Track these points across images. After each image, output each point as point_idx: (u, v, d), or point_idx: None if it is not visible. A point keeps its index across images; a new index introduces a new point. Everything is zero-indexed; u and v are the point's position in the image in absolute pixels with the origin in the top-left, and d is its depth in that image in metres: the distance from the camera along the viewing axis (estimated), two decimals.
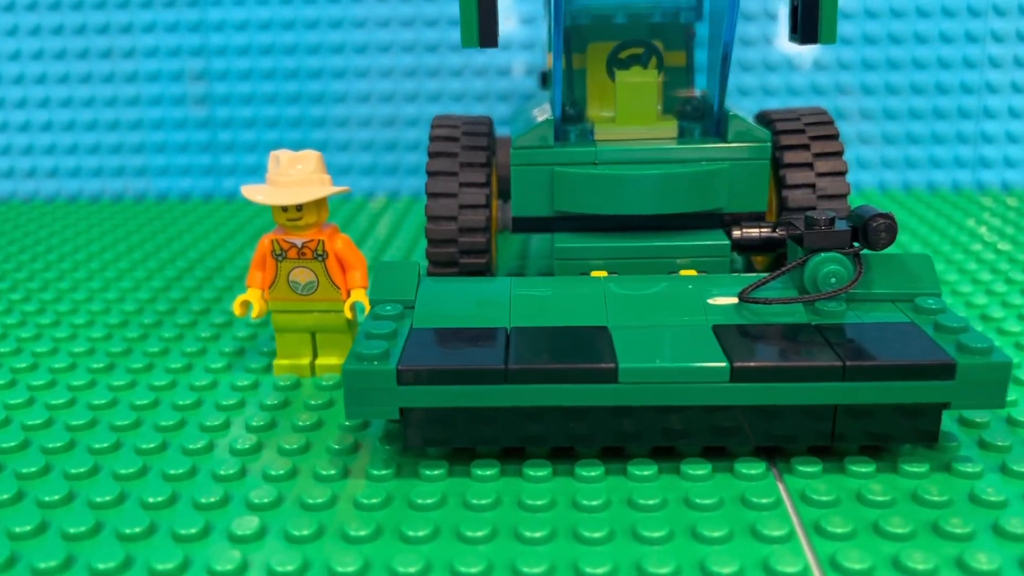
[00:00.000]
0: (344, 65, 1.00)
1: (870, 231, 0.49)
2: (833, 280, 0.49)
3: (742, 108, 0.98)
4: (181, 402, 0.54)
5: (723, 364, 0.44)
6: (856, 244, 0.50)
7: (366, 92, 1.01)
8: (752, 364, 0.44)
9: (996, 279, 0.72)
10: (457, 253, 0.60)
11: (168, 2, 1.00)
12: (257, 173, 1.04)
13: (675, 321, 0.49)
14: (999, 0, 0.96)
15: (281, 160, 0.54)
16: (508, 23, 0.99)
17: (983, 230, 0.75)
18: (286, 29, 1.00)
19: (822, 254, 0.49)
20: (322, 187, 0.54)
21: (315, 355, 0.58)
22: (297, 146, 1.03)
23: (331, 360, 0.58)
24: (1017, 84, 0.98)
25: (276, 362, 0.58)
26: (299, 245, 0.55)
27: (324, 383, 0.57)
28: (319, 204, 0.55)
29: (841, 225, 0.50)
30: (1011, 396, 0.52)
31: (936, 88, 0.98)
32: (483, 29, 0.52)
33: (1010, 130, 0.99)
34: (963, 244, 0.81)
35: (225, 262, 0.82)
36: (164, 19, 1.00)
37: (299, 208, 0.54)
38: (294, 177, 0.54)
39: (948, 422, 0.50)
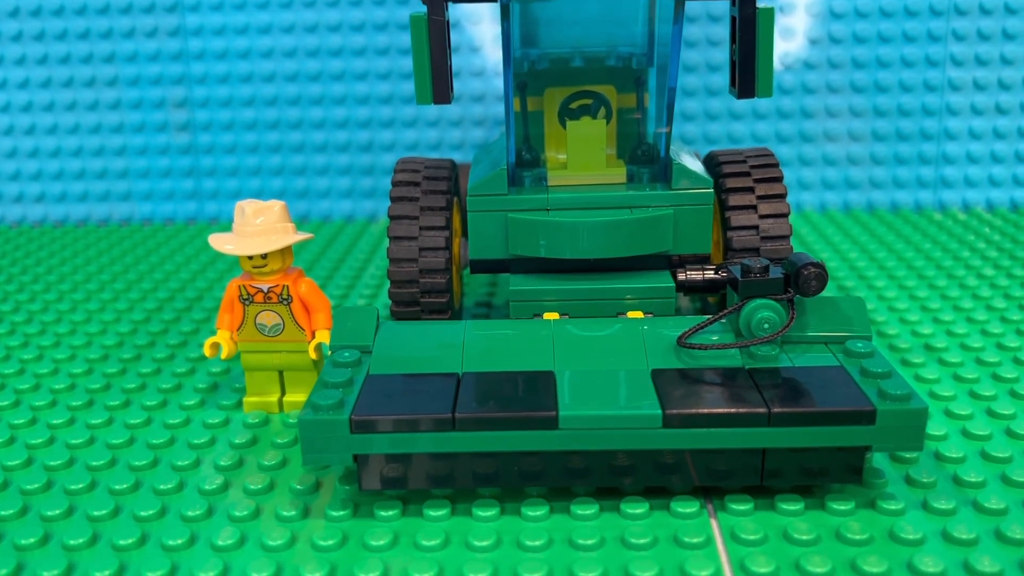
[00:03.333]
0: (322, 92, 1.03)
1: (801, 279, 0.51)
2: (766, 326, 0.51)
3: (705, 135, 1.01)
4: (155, 441, 0.57)
5: (656, 412, 0.46)
6: (791, 289, 0.53)
7: (344, 118, 1.04)
8: (683, 412, 0.46)
9: (944, 306, 0.75)
10: (418, 293, 0.62)
11: (149, 32, 1.03)
12: (238, 197, 1.06)
13: (617, 365, 0.51)
14: (958, 26, 0.98)
15: (246, 211, 0.57)
16: (486, 48, 1.02)
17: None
18: (265, 58, 1.02)
19: (757, 300, 0.52)
20: (285, 236, 0.57)
21: (283, 392, 0.61)
22: (277, 170, 1.05)
23: (298, 397, 0.61)
24: (976, 106, 1.00)
25: (246, 399, 0.61)
26: (265, 290, 0.58)
27: (291, 420, 0.59)
28: (283, 251, 0.58)
29: (775, 272, 0.53)
30: (941, 431, 0.55)
31: (898, 111, 1.01)
32: (436, 87, 0.55)
33: (970, 151, 1.01)
34: (918, 268, 0.84)
35: (204, 291, 0.85)
36: (146, 49, 1.03)
37: (264, 256, 0.57)
38: (259, 227, 0.57)
39: (879, 458, 0.53)
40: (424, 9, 0.55)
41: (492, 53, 1.02)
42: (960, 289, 0.79)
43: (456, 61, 1.01)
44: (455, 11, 0.99)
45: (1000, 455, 0.52)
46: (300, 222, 1.05)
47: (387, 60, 1.02)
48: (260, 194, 1.06)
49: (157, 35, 1.02)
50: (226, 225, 1.06)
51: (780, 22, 1.00)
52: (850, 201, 1.03)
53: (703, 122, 1.02)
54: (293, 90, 1.03)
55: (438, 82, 0.55)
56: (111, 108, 1.05)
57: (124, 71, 1.04)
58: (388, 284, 0.81)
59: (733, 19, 0.57)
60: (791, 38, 1.00)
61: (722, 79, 1.01)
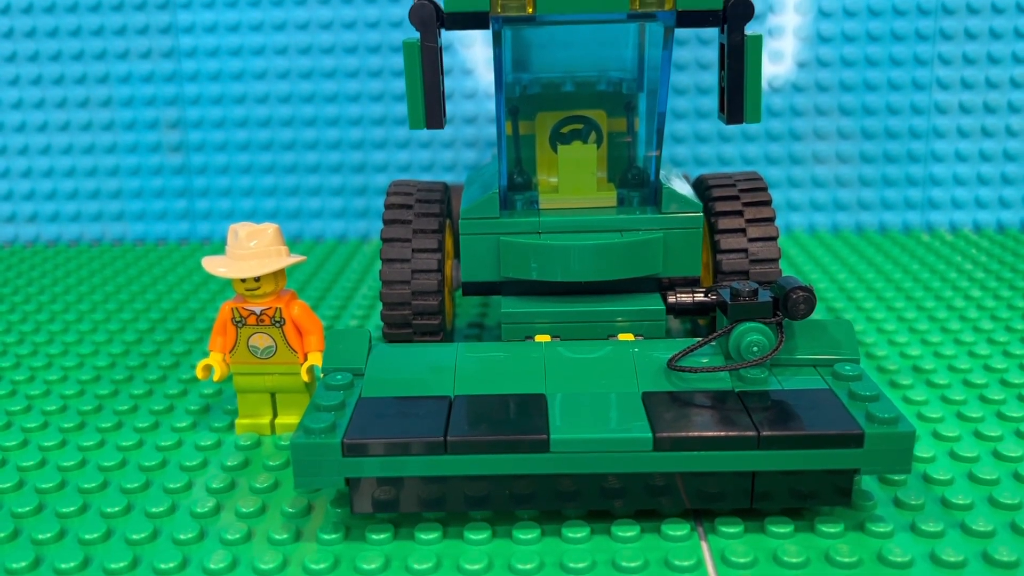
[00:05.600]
0: (315, 113, 1.04)
1: (790, 303, 0.52)
2: (755, 349, 0.52)
3: (695, 156, 1.02)
4: (147, 463, 0.57)
5: (647, 435, 0.47)
6: (779, 313, 0.53)
7: (337, 139, 1.04)
8: (673, 435, 0.47)
9: (932, 328, 0.76)
10: (410, 315, 0.63)
11: (144, 53, 1.03)
12: (231, 217, 1.07)
13: (608, 388, 0.52)
14: (944, 49, 1.00)
15: (240, 234, 0.57)
16: (478, 70, 1.03)
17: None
18: (259, 79, 1.03)
19: (746, 323, 0.53)
20: (278, 259, 0.57)
21: (275, 414, 0.61)
22: (270, 191, 1.06)
23: (290, 419, 0.61)
24: (963, 129, 1.02)
25: (238, 421, 0.61)
26: (258, 312, 0.58)
27: (282, 442, 0.60)
28: (276, 274, 0.58)
29: (764, 296, 0.53)
30: (929, 453, 0.56)
31: (886, 133, 1.02)
32: (429, 112, 0.56)
33: (957, 173, 1.02)
34: (906, 290, 0.85)
35: (197, 312, 0.85)
36: (140, 70, 1.03)
37: (257, 279, 0.57)
38: (252, 251, 0.57)
39: (868, 480, 0.53)
40: (417, 35, 0.56)
41: (484, 75, 1.03)
42: (948, 310, 0.79)
43: (448, 83, 1.02)
44: (448, 34, 1.00)
45: (987, 477, 0.53)
46: (293, 242, 1.06)
47: (380, 82, 1.03)
48: (253, 214, 1.06)
49: (151, 56, 1.03)
50: (218, 245, 1.06)
51: (769, 45, 1.01)
52: (839, 222, 1.04)
53: (693, 144, 1.03)
54: (286, 111, 1.03)
55: (431, 107, 0.56)
56: (105, 128, 1.05)
57: (118, 91, 1.04)
58: (380, 305, 0.81)
59: (722, 46, 0.58)
60: (780, 61, 1.01)
61: (711, 101, 1.02)
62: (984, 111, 1.01)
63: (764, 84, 1.01)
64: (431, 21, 0.55)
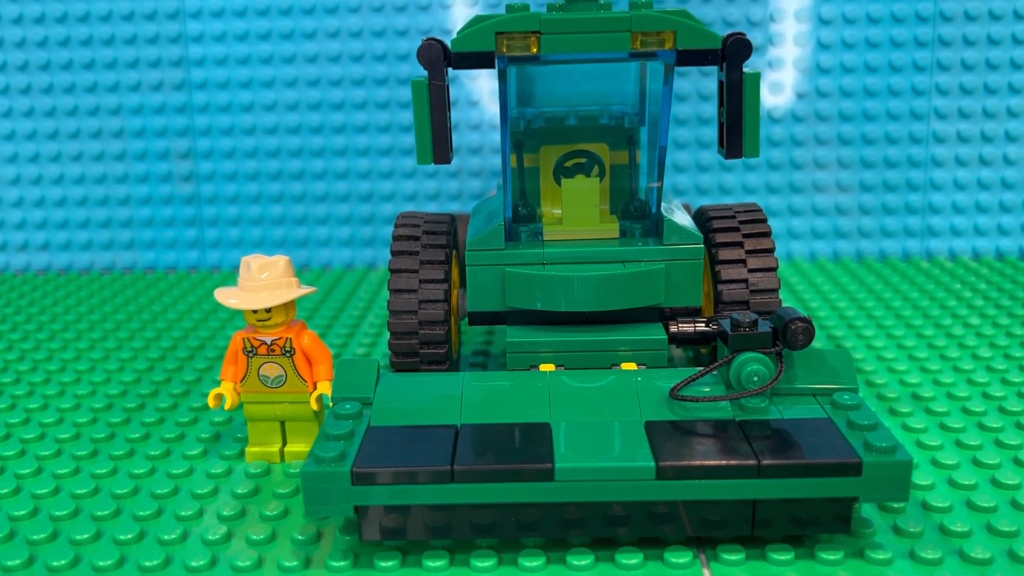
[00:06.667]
0: (323, 144, 1.05)
1: (789, 334, 0.53)
2: (756, 379, 0.53)
3: (696, 186, 1.03)
4: (159, 491, 0.58)
5: (650, 464, 0.48)
6: (779, 343, 0.54)
7: (344, 169, 1.06)
8: (676, 464, 0.48)
9: (932, 355, 0.77)
10: (418, 344, 0.64)
11: (155, 85, 1.05)
12: (240, 246, 1.08)
13: (611, 417, 0.53)
14: (941, 80, 1.02)
15: (252, 266, 0.59)
16: (483, 101, 1.05)
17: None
18: (268, 111, 1.05)
19: (746, 353, 0.54)
20: (289, 291, 0.59)
21: (284, 442, 0.62)
22: (279, 220, 1.08)
23: (299, 447, 0.62)
24: (960, 158, 1.03)
25: (248, 449, 0.62)
26: (268, 342, 0.60)
27: (292, 470, 0.61)
28: (287, 305, 0.59)
29: (764, 326, 0.54)
30: (928, 480, 0.56)
31: (885, 162, 1.03)
32: (437, 148, 0.57)
33: (955, 201, 1.04)
34: (906, 317, 0.86)
35: (207, 340, 0.86)
36: (151, 101, 1.06)
37: (268, 310, 0.59)
38: (264, 282, 0.58)
39: (868, 508, 0.54)
40: (425, 74, 0.58)
41: (489, 106, 1.05)
42: (947, 338, 0.80)
43: (454, 114, 1.04)
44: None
45: (985, 505, 0.53)
46: (301, 270, 1.07)
47: (387, 113, 1.05)
48: (262, 242, 1.08)
49: (163, 88, 1.05)
50: (228, 273, 1.08)
51: (769, 77, 1.03)
52: (839, 250, 1.05)
53: (694, 173, 1.05)
54: (295, 142, 1.05)
55: (438, 143, 0.57)
56: (117, 159, 1.07)
57: (130, 123, 1.06)
58: (387, 333, 0.83)
59: (721, 83, 0.60)
60: (780, 92, 1.03)
61: (712, 131, 1.04)
62: (982, 140, 1.03)
63: (764, 115, 1.03)
64: (438, 61, 0.57)
